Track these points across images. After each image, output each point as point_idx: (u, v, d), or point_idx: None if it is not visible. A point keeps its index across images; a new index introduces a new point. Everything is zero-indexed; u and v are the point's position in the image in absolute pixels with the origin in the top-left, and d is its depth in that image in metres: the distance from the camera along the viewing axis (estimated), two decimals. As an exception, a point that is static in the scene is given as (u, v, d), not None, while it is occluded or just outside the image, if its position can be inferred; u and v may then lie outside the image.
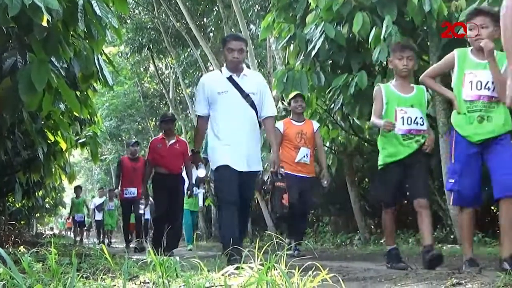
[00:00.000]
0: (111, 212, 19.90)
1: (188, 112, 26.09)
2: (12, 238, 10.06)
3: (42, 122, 8.03)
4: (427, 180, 5.56)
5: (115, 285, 3.11)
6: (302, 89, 8.76)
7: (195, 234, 13.02)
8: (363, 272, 4.85)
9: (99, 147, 10.78)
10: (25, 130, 7.99)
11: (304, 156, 8.17)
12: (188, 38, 20.78)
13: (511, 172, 4.44)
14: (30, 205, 15.69)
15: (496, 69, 4.56)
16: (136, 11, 24.75)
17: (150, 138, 22.35)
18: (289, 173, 7.60)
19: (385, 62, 8.44)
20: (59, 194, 22.48)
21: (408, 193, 5.49)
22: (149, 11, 23.80)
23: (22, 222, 19.11)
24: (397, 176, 5.37)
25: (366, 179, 12.62)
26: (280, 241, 3.35)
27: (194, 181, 10.83)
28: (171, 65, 26.55)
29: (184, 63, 23.53)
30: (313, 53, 8.68)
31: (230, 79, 5.97)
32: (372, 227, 12.31)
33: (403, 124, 5.28)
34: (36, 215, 25.56)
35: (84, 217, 21.29)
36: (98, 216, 20.88)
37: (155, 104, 30.86)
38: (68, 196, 25.88)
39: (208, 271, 3.28)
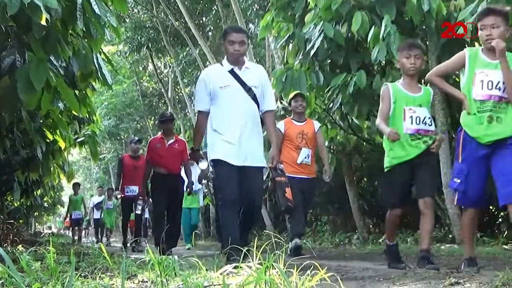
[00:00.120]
0: (109, 211, 19.87)
1: (187, 111, 26.08)
2: (11, 237, 10.06)
3: (41, 121, 8.03)
4: (434, 180, 5.46)
5: (113, 284, 3.11)
6: (301, 88, 8.75)
7: (193, 233, 12.97)
8: (362, 271, 4.85)
9: (98, 146, 10.77)
10: (23, 129, 7.98)
11: (305, 157, 8.08)
12: (187, 37, 20.79)
13: None
14: (28, 204, 15.66)
15: (507, 69, 4.50)
16: (135, 10, 24.76)
17: (149, 137, 22.34)
18: (290, 175, 7.56)
19: (384, 62, 8.45)
20: (57, 193, 22.44)
21: (415, 193, 5.40)
22: (148, 10, 23.80)
23: (20, 221, 19.08)
24: (404, 177, 5.27)
25: (365, 179, 12.63)
26: (278, 240, 3.35)
27: (194, 179, 10.83)
28: (170, 64, 26.53)
29: (183, 62, 23.51)
30: (312, 52, 8.68)
31: (231, 72, 5.83)
32: (371, 226, 12.31)
33: (411, 123, 5.18)
34: (35, 214, 25.50)
35: (82, 215, 21.22)
36: (97, 215, 20.86)
37: (154, 103, 30.85)
38: (66, 195, 25.85)
39: (207, 270, 3.28)
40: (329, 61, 9.24)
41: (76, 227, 21.44)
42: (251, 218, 5.94)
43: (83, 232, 25.50)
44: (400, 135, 5.11)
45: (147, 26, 24.02)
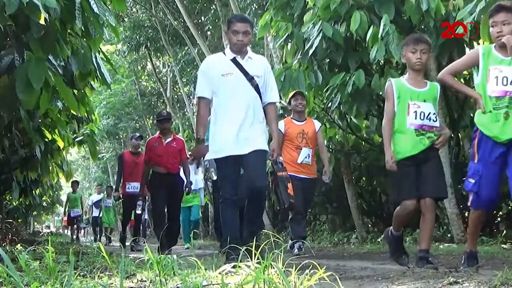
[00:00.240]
0: (108, 209, 19.84)
1: (185, 110, 26.09)
2: (9, 236, 10.06)
3: (40, 120, 8.02)
4: (438, 180, 5.32)
5: (112, 283, 3.11)
6: (299, 88, 8.73)
7: (192, 233, 12.95)
8: (360, 270, 4.86)
9: (97, 146, 10.76)
10: (22, 128, 7.98)
11: (306, 157, 8.01)
12: (186, 36, 20.79)
13: None
14: (27, 203, 15.68)
15: None
16: (134, 9, 24.77)
17: (147, 136, 22.34)
18: (291, 175, 7.50)
19: (382, 61, 8.45)
20: (56, 192, 22.42)
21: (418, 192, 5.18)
22: (146, 10, 23.80)
23: (19, 220, 19.08)
24: (411, 170, 5.08)
25: (364, 178, 12.62)
26: (277, 239, 3.35)
27: (193, 179, 10.82)
28: (169, 64, 26.55)
29: (182, 61, 23.51)
30: (311, 51, 8.68)
31: (234, 61, 5.71)
32: (370, 225, 12.31)
33: (415, 118, 5.04)
34: (34, 213, 25.51)
35: (81, 213, 21.16)
36: (95, 213, 20.82)
37: (153, 103, 30.85)
38: (65, 194, 25.86)
39: (205, 269, 3.28)
40: (328, 60, 9.24)
41: (75, 225, 21.40)
42: (256, 206, 5.68)
43: (82, 231, 25.50)
44: (404, 130, 5.04)
45: (145, 25, 24.02)
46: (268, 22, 9.88)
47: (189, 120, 24.67)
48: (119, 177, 12.17)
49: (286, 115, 9.03)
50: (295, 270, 2.82)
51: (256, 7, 17.57)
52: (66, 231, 30.82)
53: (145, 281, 3.27)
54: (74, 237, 20.85)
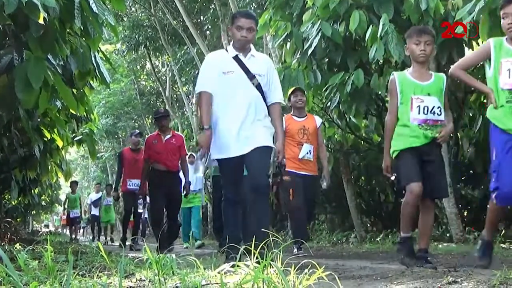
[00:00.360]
0: (108, 207, 19.79)
1: (184, 110, 26.09)
2: (8, 236, 10.06)
3: (39, 120, 8.02)
4: (442, 178, 5.24)
5: (111, 283, 3.11)
6: (298, 87, 8.74)
7: (191, 232, 12.93)
8: (359, 270, 4.86)
9: (96, 145, 10.75)
10: (21, 128, 7.98)
11: (307, 153, 7.87)
12: (185, 36, 20.80)
13: None
14: (26, 202, 15.67)
15: None
16: (133, 9, 24.79)
17: (146, 135, 22.35)
18: (291, 171, 7.43)
19: (381, 61, 8.45)
20: (55, 192, 22.44)
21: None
22: (145, 9, 23.81)
23: (18, 219, 19.11)
24: (414, 157, 4.95)
25: (363, 177, 12.61)
26: (276, 239, 3.35)
27: (192, 178, 10.81)
28: (168, 63, 26.57)
29: (181, 61, 23.53)
30: (310, 51, 8.67)
31: (236, 58, 5.55)
32: (368, 225, 12.32)
33: (418, 113, 4.94)
34: (32, 213, 25.54)
35: (80, 213, 21.15)
36: (94, 211, 20.77)
37: (152, 102, 30.86)
38: (64, 193, 25.87)
39: (204, 269, 3.29)
40: (327, 60, 9.22)
41: (73, 226, 21.39)
42: (260, 206, 5.35)
43: (81, 230, 25.48)
44: (408, 124, 4.96)
45: (145, 24, 24.03)
46: (267, 22, 9.86)
47: (188, 120, 24.67)
48: (119, 175, 12.11)
49: (285, 114, 9.01)
50: (294, 270, 2.82)
51: (255, 6, 17.60)
52: (65, 230, 30.84)
53: (144, 280, 3.27)
54: (73, 236, 20.83)
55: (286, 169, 6.50)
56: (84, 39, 6.20)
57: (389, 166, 5.11)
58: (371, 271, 4.59)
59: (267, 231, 3.54)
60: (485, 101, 8.83)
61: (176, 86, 26.63)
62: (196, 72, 21.65)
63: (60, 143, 9.08)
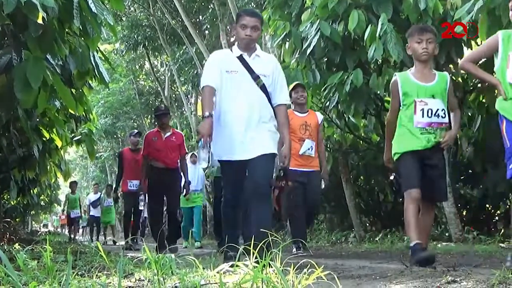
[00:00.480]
0: (109, 209, 19.75)
1: (183, 109, 26.11)
2: (7, 236, 10.05)
3: (38, 120, 8.02)
4: (442, 182, 5.10)
5: (110, 283, 3.11)
6: (297, 87, 8.73)
7: (190, 232, 12.93)
8: (358, 269, 4.86)
9: (95, 145, 10.75)
10: (20, 128, 7.97)
11: (308, 149, 7.80)
12: (184, 35, 20.81)
13: None
14: (25, 202, 15.68)
15: None
16: (132, 9, 24.80)
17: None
18: (292, 169, 7.31)
19: (380, 60, 8.45)
20: (54, 192, 22.40)
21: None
22: (144, 9, 23.82)
23: (17, 219, 19.11)
24: (415, 161, 4.88)
25: (362, 177, 12.62)
26: (275, 238, 3.35)
27: (191, 178, 10.80)
28: (167, 63, 26.59)
29: (180, 60, 23.53)
30: (309, 51, 8.67)
31: (240, 58, 5.41)
32: (367, 224, 12.32)
33: (422, 116, 4.85)
34: (31, 213, 25.53)
35: (80, 213, 21.10)
36: (93, 212, 20.70)
37: (151, 102, 30.86)
38: (63, 193, 25.88)
39: (203, 268, 3.29)
40: (326, 59, 9.23)
41: (72, 226, 21.35)
42: (261, 209, 5.19)
43: (81, 230, 25.44)
44: (410, 127, 4.88)
45: (143, 24, 24.05)
46: (266, 21, 9.86)
47: (187, 119, 24.68)
48: (119, 176, 12.04)
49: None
50: (293, 269, 2.82)
51: (254, 6, 17.59)
52: (64, 230, 30.82)
53: (143, 280, 3.27)
54: (72, 236, 20.79)
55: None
56: (83, 39, 6.20)
57: (390, 158, 5.08)
58: (370, 271, 4.59)
59: (267, 231, 3.51)
60: (484, 100, 8.86)
61: (175, 85, 26.65)
62: (195, 72, 21.71)
63: (59, 143, 9.07)
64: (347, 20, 8.14)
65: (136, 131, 12.85)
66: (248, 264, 2.86)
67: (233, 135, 5.29)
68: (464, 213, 10.27)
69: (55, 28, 5.54)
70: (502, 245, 7.67)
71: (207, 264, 3.58)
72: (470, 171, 10.20)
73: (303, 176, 7.71)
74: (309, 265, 2.89)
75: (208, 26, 22.39)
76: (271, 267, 2.70)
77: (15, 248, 6.16)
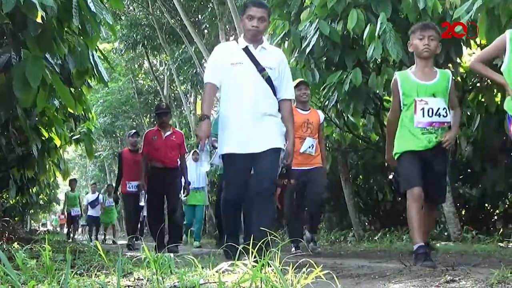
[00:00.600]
0: (109, 209, 19.70)
1: (182, 108, 26.10)
2: (6, 235, 10.04)
3: (37, 119, 8.02)
4: (442, 184, 5.11)
5: (109, 282, 3.11)
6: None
7: (189, 231, 12.93)
8: (357, 269, 4.86)
9: (94, 144, 10.73)
10: (19, 127, 7.97)
11: (309, 147, 7.79)
12: (183, 34, 20.81)
13: None
14: (24, 201, 15.67)
15: None
16: (131, 8, 24.79)
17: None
18: (292, 169, 7.23)
19: (379, 59, 8.45)
20: (53, 191, 22.38)
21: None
22: (143, 8, 23.82)
23: (16, 218, 19.07)
24: (416, 160, 4.84)
25: (360, 176, 12.64)
26: (274, 238, 3.35)
27: (191, 178, 10.78)
28: (166, 62, 26.58)
29: (179, 59, 23.52)
30: (308, 50, 8.66)
31: (245, 50, 5.29)
32: (366, 224, 12.33)
33: (423, 116, 4.80)
34: (30, 212, 25.50)
35: (80, 211, 21.02)
36: (91, 212, 20.62)
37: (150, 101, 30.85)
38: (62, 192, 25.85)
39: (202, 268, 3.28)
40: (325, 58, 9.22)
41: (72, 225, 21.29)
42: (264, 207, 5.12)
43: (80, 229, 25.40)
44: (410, 127, 4.84)
45: (142, 23, 24.05)
46: (265, 21, 9.85)
47: (186, 119, 24.67)
48: (118, 177, 11.97)
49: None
50: (292, 269, 2.82)
51: (253, 5, 17.53)
52: (63, 229, 30.79)
53: (142, 279, 3.27)
54: (71, 235, 20.75)
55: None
56: (82, 38, 6.19)
57: (391, 157, 5.05)
58: (369, 270, 4.59)
59: (267, 230, 3.50)
60: (483, 99, 8.87)
61: (174, 85, 26.65)
62: (194, 71, 21.71)
63: (58, 142, 9.06)
64: (346, 20, 8.14)
65: (133, 131, 12.77)
66: (247, 264, 2.85)
67: (238, 129, 5.21)
68: (463, 212, 10.29)
69: (54, 27, 5.54)
70: (501, 244, 7.68)
71: (206, 263, 3.58)
72: (469, 170, 10.21)
73: (302, 175, 7.69)
74: (308, 264, 2.89)
75: (207, 25, 22.39)
76: (270, 266, 2.70)
77: (14, 247, 6.15)
